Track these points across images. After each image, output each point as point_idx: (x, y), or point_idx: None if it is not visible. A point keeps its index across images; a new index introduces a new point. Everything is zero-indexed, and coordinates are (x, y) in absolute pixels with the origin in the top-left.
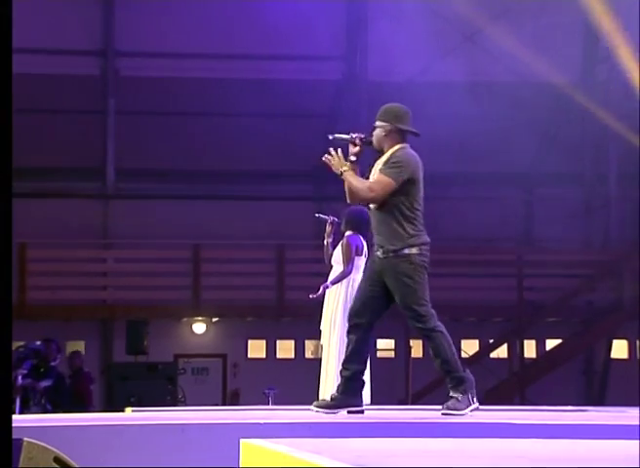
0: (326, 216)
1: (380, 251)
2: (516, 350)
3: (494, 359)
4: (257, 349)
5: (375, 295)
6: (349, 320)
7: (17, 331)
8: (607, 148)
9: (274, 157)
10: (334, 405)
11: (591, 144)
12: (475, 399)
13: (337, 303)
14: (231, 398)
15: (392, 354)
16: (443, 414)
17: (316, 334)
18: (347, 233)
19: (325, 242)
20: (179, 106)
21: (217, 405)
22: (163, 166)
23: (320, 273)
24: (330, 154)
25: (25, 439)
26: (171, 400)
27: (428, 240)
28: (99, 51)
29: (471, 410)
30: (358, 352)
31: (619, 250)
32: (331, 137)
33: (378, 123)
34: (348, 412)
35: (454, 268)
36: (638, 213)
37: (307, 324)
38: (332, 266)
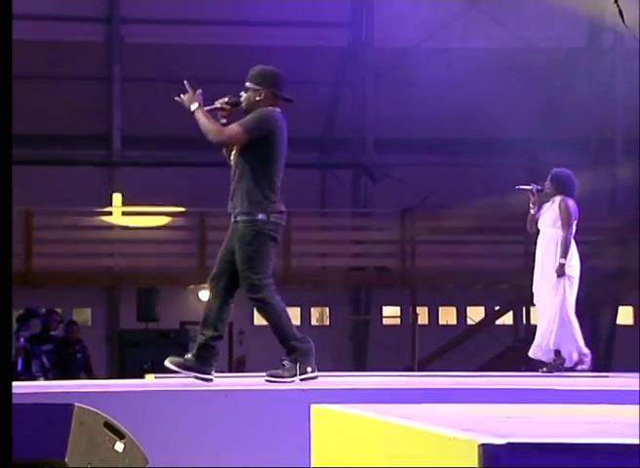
0: (527, 187)
1: (234, 213)
2: (522, 317)
3: (500, 326)
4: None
5: (228, 260)
6: (209, 284)
7: (22, 299)
8: (613, 114)
9: None
10: (183, 365)
11: (597, 111)
12: (310, 368)
13: (549, 265)
14: (237, 365)
15: (398, 321)
16: (266, 381)
17: (321, 301)
18: (559, 197)
19: (532, 211)
20: (184, 73)
21: (222, 372)
22: (169, 133)
23: (325, 241)
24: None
25: (76, 404)
26: None
27: (282, 209)
28: (103, 17)
29: (302, 379)
30: (213, 318)
31: (624, 216)
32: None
33: (250, 85)
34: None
35: (460, 235)
36: None
37: (313, 291)
38: (538, 231)
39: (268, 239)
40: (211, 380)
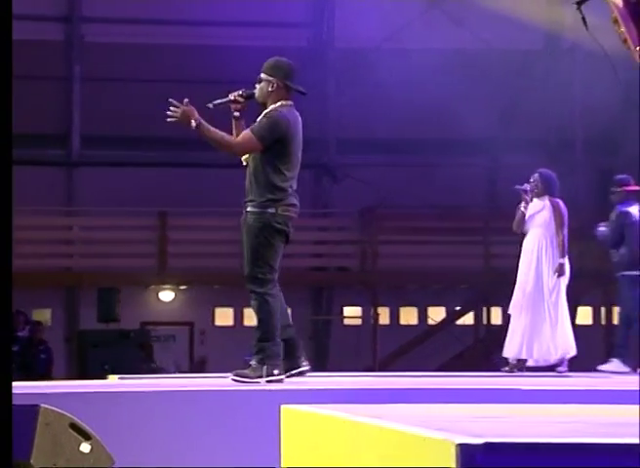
0: (522, 187)
1: (244, 206)
2: (482, 317)
3: (460, 326)
4: (224, 317)
5: None
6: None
7: None
8: (572, 115)
9: None
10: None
11: (556, 111)
12: (276, 371)
13: (548, 265)
14: (198, 366)
15: (359, 321)
16: (232, 380)
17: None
18: (547, 197)
19: (523, 209)
20: (145, 73)
21: (184, 372)
22: (129, 133)
23: (291, 241)
24: (173, 107)
25: (42, 405)
26: (145, 367)
27: (293, 201)
28: (63, 16)
29: (267, 381)
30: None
31: (584, 216)
32: (211, 106)
33: (264, 76)
34: (288, 376)
35: (420, 235)
36: (603, 179)
37: None
38: (526, 232)
39: (275, 232)
40: (303, 373)
